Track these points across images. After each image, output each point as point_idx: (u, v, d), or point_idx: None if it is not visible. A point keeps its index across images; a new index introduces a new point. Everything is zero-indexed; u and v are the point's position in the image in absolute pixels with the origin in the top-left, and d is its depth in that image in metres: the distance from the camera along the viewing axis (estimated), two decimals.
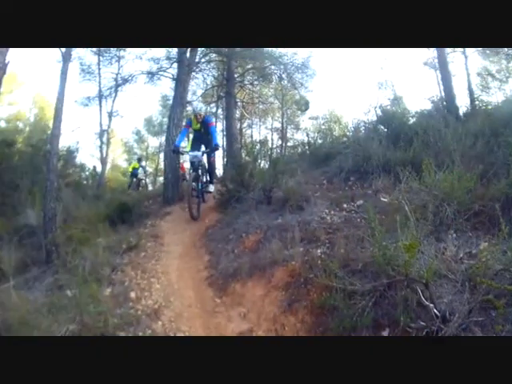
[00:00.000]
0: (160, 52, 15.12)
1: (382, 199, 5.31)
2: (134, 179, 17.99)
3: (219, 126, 20.31)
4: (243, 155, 12.29)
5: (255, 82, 18.49)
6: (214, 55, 15.43)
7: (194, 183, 8.24)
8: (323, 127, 16.70)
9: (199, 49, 12.95)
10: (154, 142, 29.69)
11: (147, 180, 18.25)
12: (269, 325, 4.07)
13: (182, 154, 9.56)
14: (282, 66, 15.78)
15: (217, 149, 8.70)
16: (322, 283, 3.82)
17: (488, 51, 15.79)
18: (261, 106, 21.10)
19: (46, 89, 40.58)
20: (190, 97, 16.20)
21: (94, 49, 15.75)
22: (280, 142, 21.85)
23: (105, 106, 18.53)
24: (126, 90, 19.27)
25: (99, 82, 17.01)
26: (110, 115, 18.97)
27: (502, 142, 5.61)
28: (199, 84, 18.19)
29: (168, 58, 14.20)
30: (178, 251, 6.51)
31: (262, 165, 9.74)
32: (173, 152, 8.97)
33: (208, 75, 17.71)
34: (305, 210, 5.90)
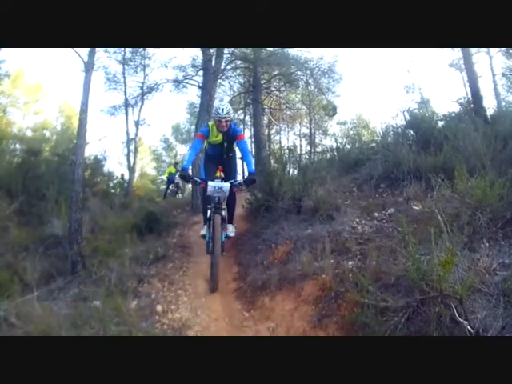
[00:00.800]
0: (185, 60, 15.19)
1: (414, 207, 5.22)
2: (171, 186, 17.97)
3: (247, 133, 20.34)
4: (272, 162, 12.12)
5: (282, 88, 18.36)
6: (240, 62, 15.30)
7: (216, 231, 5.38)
8: (351, 132, 16.61)
9: (224, 56, 12.92)
10: (183, 150, 29.81)
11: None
12: None
13: (196, 183, 6.05)
14: (308, 72, 15.68)
15: (254, 180, 5.64)
16: (353, 298, 3.73)
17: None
18: (288, 112, 20.90)
19: (72, 97, 41.31)
20: (216, 104, 16.17)
21: (119, 58, 16.01)
22: (308, 148, 21.78)
23: (131, 115, 18.67)
24: (152, 99, 19.37)
25: (125, 91, 17.18)
26: (137, 123, 19.09)
27: None
28: (226, 91, 18.26)
29: (193, 66, 14.18)
30: (206, 262, 6.25)
31: (290, 172, 9.57)
32: (181, 177, 5.94)
33: (234, 82, 17.85)
34: (335, 220, 5.79)
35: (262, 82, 17.06)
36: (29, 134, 21.09)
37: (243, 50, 13.72)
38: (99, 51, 11.68)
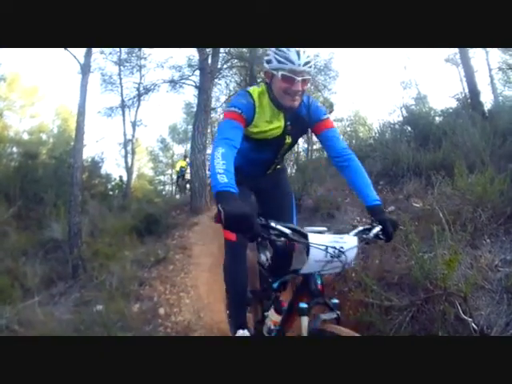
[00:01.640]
0: (181, 59, 15.17)
1: (414, 205, 5.22)
2: (181, 180, 17.73)
3: None
4: None
5: None
6: (236, 61, 15.41)
7: None
8: (348, 129, 16.59)
9: (220, 55, 12.96)
10: (180, 150, 29.90)
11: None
12: None
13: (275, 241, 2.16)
14: None
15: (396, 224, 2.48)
16: (357, 298, 3.74)
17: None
18: None
19: (68, 100, 41.29)
20: (213, 103, 16.28)
21: (114, 59, 16.02)
22: (306, 146, 21.85)
23: (128, 116, 18.82)
24: (148, 99, 19.42)
25: (121, 92, 17.24)
26: (134, 124, 19.22)
27: None
28: (222, 90, 18.24)
29: (190, 66, 14.34)
30: (207, 263, 6.39)
31: (289, 170, 9.55)
32: (256, 232, 1.87)
33: (231, 81, 17.84)
34: (336, 218, 5.86)
35: (259, 81, 16.85)
36: (25, 137, 21.23)
37: (239, 48, 13.73)
38: (95, 53, 11.73)
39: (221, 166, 2.07)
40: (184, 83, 14.30)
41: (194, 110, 13.32)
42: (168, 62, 14.97)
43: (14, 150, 16.06)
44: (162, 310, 4.83)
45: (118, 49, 15.34)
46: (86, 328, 4.17)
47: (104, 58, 15.60)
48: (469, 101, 9.85)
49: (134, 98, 17.07)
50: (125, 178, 17.98)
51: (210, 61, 11.59)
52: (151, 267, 6.20)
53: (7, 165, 13.29)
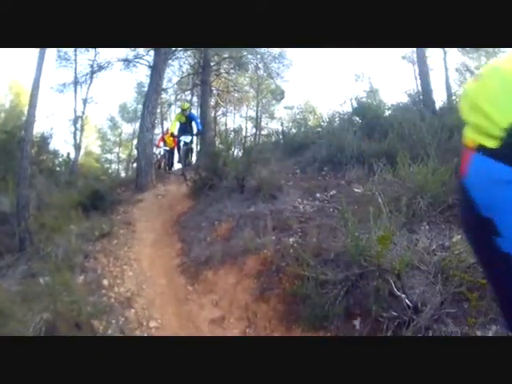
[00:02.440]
0: None
1: (355, 190, 5.39)
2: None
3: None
4: (217, 143, 12.34)
5: (231, 71, 18.64)
6: None
7: None
8: (298, 117, 16.80)
9: None
10: (128, 129, 29.62)
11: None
12: (241, 312, 4.11)
13: None
14: (258, 56, 16.06)
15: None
16: (294, 272, 3.83)
17: (468, 48, 15.96)
18: (236, 95, 21.21)
19: (22, 75, 39.79)
20: (165, 84, 16.54)
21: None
22: (254, 131, 21.92)
23: (80, 93, 18.50)
24: (101, 77, 19.05)
25: (75, 69, 16.95)
26: (85, 102, 18.94)
27: None
28: (175, 71, 18.47)
29: None
30: (150, 238, 6.50)
31: (235, 153, 9.80)
32: None
33: (184, 63, 18.08)
34: (278, 199, 5.90)
35: (212, 64, 17.17)
36: None
37: None
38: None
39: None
40: (138, 62, 14.43)
41: (146, 89, 13.24)
42: None
43: None
44: (105, 282, 4.86)
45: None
46: (33, 298, 4.15)
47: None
48: (421, 97, 10.14)
49: (87, 74, 16.84)
50: (72, 155, 17.72)
51: None
52: (96, 241, 6.16)
53: None
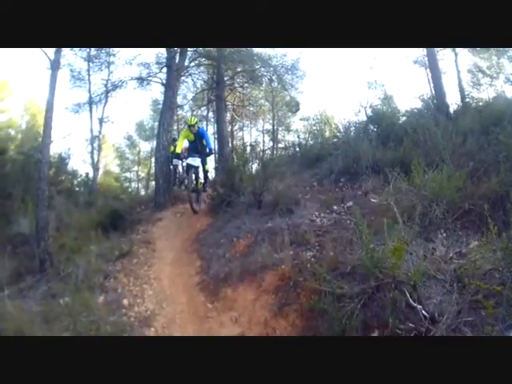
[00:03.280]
0: (150, 57, 15.06)
1: (372, 200, 5.34)
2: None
3: (210, 130, 20.38)
4: (234, 158, 12.35)
5: (245, 85, 18.44)
6: (203, 59, 15.49)
7: None
8: (314, 128, 16.70)
9: (188, 53, 12.95)
10: (146, 147, 29.40)
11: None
12: (260, 329, 4.12)
13: None
14: (271, 68, 15.82)
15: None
16: (311, 287, 3.83)
17: (478, 48, 15.83)
18: (251, 109, 20.86)
19: (37, 95, 40.39)
20: (180, 101, 16.54)
21: (84, 55, 15.80)
22: (271, 144, 21.84)
23: (95, 112, 18.41)
24: (116, 96, 19.19)
25: (89, 89, 16.99)
26: (101, 121, 18.83)
27: (492, 139, 5.62)
28: (189, 88, 18.26)
29: (158, 63, 14.28)
30: (169, 257, 6.56)
31: (253, 167, 9.80)
32: None
33: (198, 79, 17.81)
34: (295, 213, 5.94)
35: (226, 79, 17.05)
36: None
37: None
38: (65, 49, 11.57)
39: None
40: (151, 80, 14.28)
41: (161, 107, 13.30)
42: (136, 59, 14.85)
43: None
44: (125, 301, 4.90)
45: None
46: (53, 318, 4.22)
47: (74, 54, 15.32)
48: (434, 102, 10.03)
49: (102, 94, 16.87)
50: (91, 175, 17.70)
51: (177, 59, 11.60)
52: (116, 261, 6.24)
53: None
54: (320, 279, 3.75)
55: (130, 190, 26.15)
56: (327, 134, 13.12)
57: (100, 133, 19.31)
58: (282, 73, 15.97)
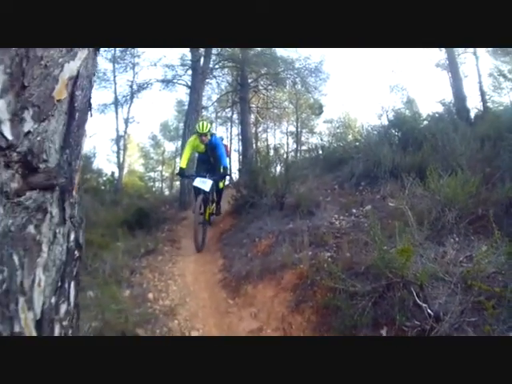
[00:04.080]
0: (174, 58, 15.07)
1: (390, 204, 5.47)
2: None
3: (234, 131, 21.39)
4: (258, 160, 12.36)
5: (269, 87, 18.55)
6: (228, 61, 15.67)
7: None
8: (338, 131, 16.71)
9: (213, 56, 13.15)
10: (170, 147, 29.97)
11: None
12: (277, 324, 4.30)
13: None
14: (295, 71, 15.98)
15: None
16: (326, 285, 4.00)
17: (499, 51, 15.71)
18: (275, 111, 21.09)
19: None
20: (205, 102, 16.50)
21: (109, 56, 16.20)
22: (295, 146, 21.83)
23: (121, 113, 18.88)
24: (141, 97, 19.33)
25: (115, 90, 17.35)
26: (127, 121, 19.28)
27: (506, 145, 5.72)
28: (214, 89, 18.41)
29: (182, 65, 14.49)
30: (193, 255, 6.80)
31: (277, 169, 9.89)
32: None
33: (222, 81, 17.96)
34: (315, 215, 6.10)
35: (250, 81, 17.22)
36: None
37: (231, 50, 13.83)
38: None
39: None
40: (176, 83, 14.54)
41: (186, 107, 13.44)
42: (161, 61, 15.06)
43: None
44: (150, 295, 5.12)
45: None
46: (83, 309, 4.41)
47: (99, 55, 15.59)
48: (455, 106, 10.04)
49: (127, 95, 17.24)
50: (116, 174, 18.13)
51: (201, 61, 11.73)
52: (141, 257, 6.48)
53: None
54: (335, 278, 3.91)
55: (154, 189, 26.50)
56: (350, 137, 13.15)
57: (125, 133, 19.78)
58: (305, 75, 16.21)
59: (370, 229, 4.19)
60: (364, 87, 45.86)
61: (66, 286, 1.32)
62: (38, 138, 1.12)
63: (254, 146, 18.40)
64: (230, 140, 23.12)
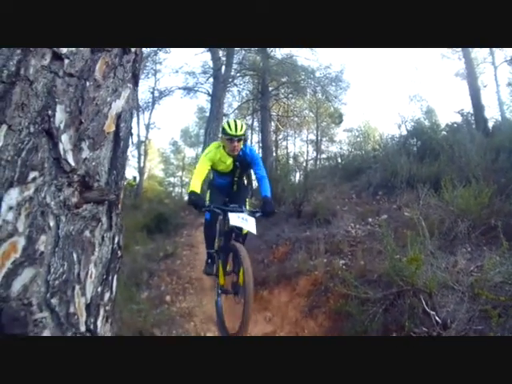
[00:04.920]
0: (195, 65, 15.11)
1: (406, 214, 5.50)
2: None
3: (254, 139, 21.13)
4: (277, 168, 12.34)
5: (290, 95, 18.59)
6: (249, 70, 15.76)
7: None
8: (358, 140, 16.71)
9: (234, 64, 13.39)
10: (191, 153, 30.16)
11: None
12: (290, 328, 4.42)
13: None
14: (315, 80, 16.06)
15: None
16: (339, 291, 4.09)
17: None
18: (295, 119, 21.09)
19: None
20: (225, 109, 16.57)
21: None
22: (315, 154, 21.81)
23: (142, 118, 19.17)
24: (162, 103, 19.56)
25: (136, 95, 17.34)
26: (148, 127, 19.54)
27: None
28: (235, 97, 18.54)
29: (204, 72, 14.63)
30: None
31: (296, 177, 9.79)
32: None
33: (243, 89, 18.10)
34: (332, 224, 6.18)
35: (270, 89, 17.26)
36: None
37: (252, 58, 13.86)
38: None
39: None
40: (198, 90, 14.68)
41: (207, 114, 13.56)
42: (183, 68, 15.20)
43: None
44: (168, 298, 5.26)
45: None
46: None
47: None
48: (473, 116, 9.99)
49: (149, 101, 17.44)
50: (138, 178, 18.28)
51: (223, 70, 11.84)
52: (160, 261, 6.60)
53: None
54: (348, 285, 3.97)
55: (173, 194, 26.60)
56: (369, 146, 13.13)
57: (146, 138, 20.09)
58: (325, 84, 16.26)
59: (382, 238, 4.26)
60: (384, 96, 45.82)
61: (110, 278, 1.54)
62: (93, 163, 1.32)
63: (274, 153, 18.37)
64: None
